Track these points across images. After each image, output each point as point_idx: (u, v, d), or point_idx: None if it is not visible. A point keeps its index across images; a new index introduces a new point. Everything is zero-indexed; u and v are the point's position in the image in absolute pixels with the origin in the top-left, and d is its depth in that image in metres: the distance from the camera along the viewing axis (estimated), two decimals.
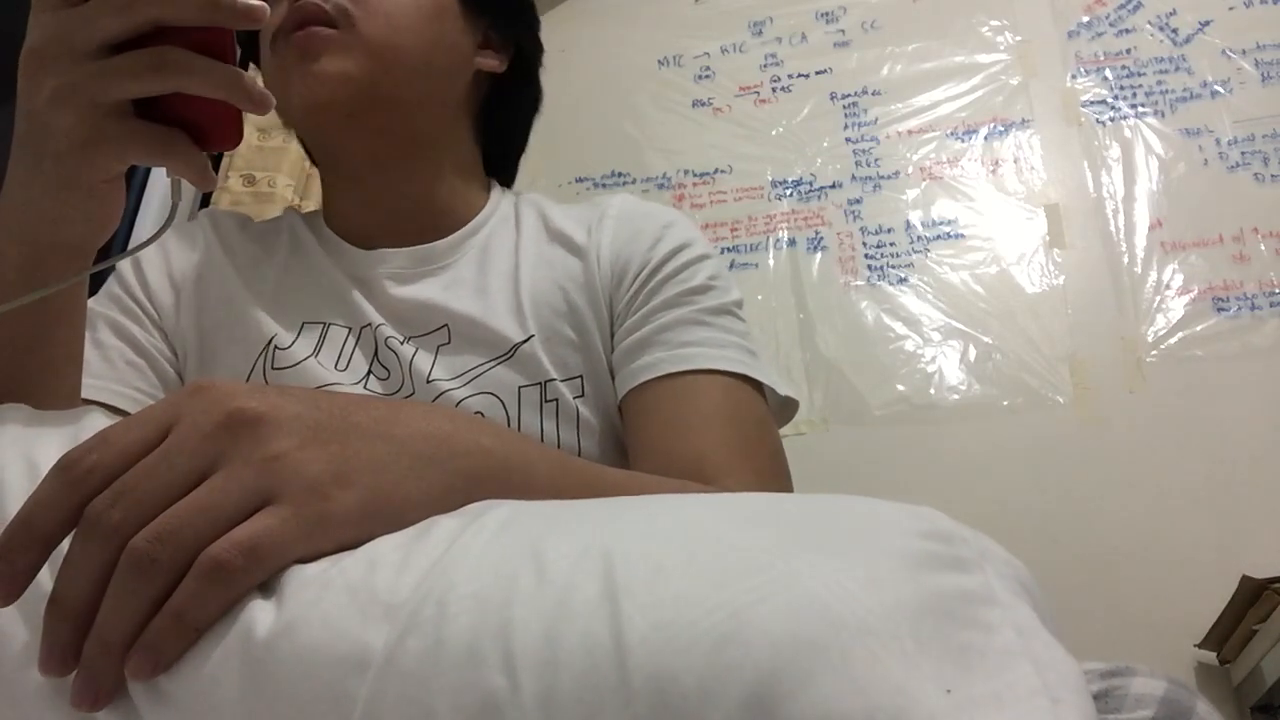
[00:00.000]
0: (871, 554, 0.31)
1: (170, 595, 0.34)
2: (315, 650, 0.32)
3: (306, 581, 0.34)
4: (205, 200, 2.15)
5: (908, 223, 2.15)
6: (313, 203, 1.92)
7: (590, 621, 0.30)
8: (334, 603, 0.33)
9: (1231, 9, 2.15)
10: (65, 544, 0.36)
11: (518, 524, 0.36)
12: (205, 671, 0.33)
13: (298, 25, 0.74)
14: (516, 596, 0.31)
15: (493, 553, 0.34)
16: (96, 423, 0.45)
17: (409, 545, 0.35)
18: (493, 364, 0.73)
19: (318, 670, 0.31)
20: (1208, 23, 2.15)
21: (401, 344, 0.74)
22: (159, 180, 1.84)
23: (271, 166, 1.91)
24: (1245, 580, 1.52)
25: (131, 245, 1.72)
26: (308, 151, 0.92)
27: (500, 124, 0.90)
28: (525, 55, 0.89)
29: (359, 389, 0.73)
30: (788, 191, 2.26)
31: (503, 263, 0.80)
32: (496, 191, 0.89)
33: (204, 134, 0.50)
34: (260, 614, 0.33)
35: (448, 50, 0.81)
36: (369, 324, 0.76)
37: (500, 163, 0.92)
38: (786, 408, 0.78)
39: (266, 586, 0.35)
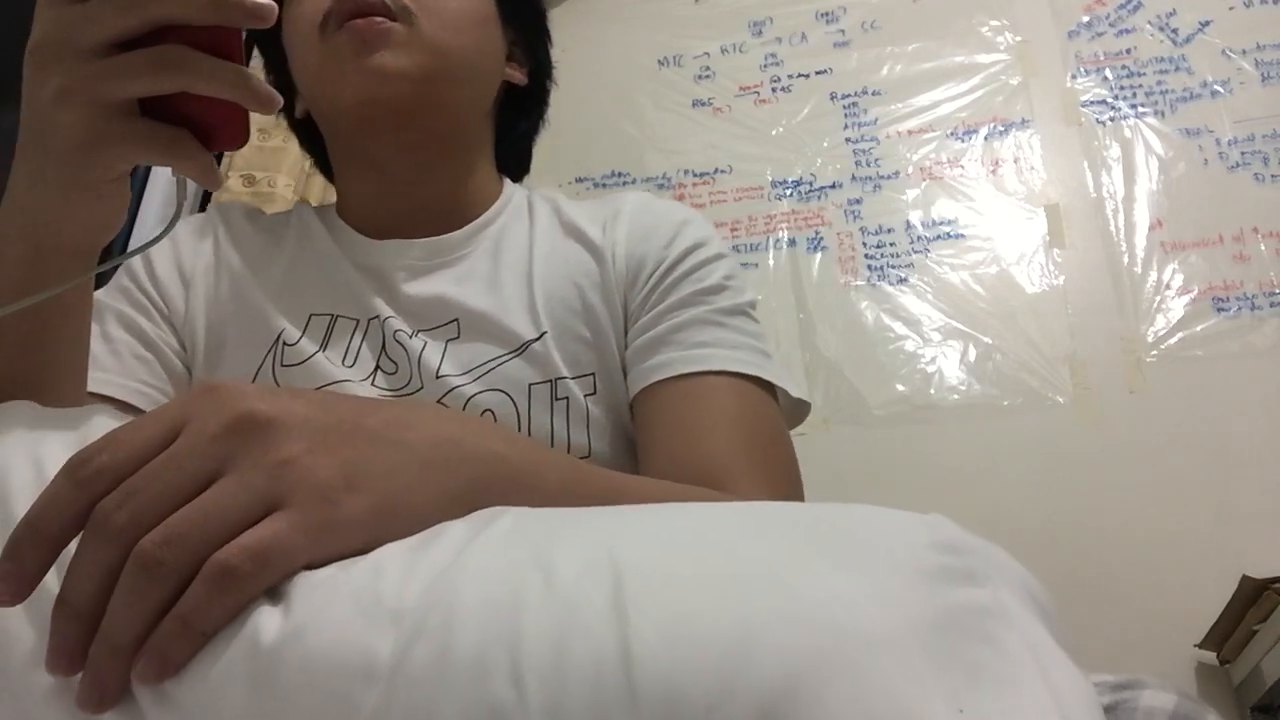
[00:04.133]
0: (882, 567, 0.31)
1: (177, 598, 0.34)
2: (322, 658, 0.31)
3: (313, 587, 0.34)
4: (205, 200, 2.15)
5: (908, 223, 2.14)
6: (312, 202, 1.91)
7: (598, 633, 0.30)
8: (341, 609, 0.33)
9: (1231, 9, 2.15)
10: (73, 545, 0.36)
11: (526, 531, 0.36)
12: (211, 677, 0.33)
13: (354, 14, 0.71)
14: (524, 605, 0.31)
15: (501, 560, 0.33)
16: (103, 423, 0.44)
17: (417, 552, 0.35)
18: (503, 360, 0.72)
19: (324, 678, 0.31)
20: (1208, 23, 2.15)
21: (410, 337, 0.73)
22: (158, 179, 1.83)
23: (271, 166, 1.91)
24: (1245, 580, 1.53)
25: (133, 245, 1.71)
26: (311, 142, 0.90)
27: (513, 134, 0.91)
28: (542, 71, 0.91)
29: (366, 384, 0.72)
30: (788, 191, 2.25)
31: (516, 255, 0.79)
32: (509, 185, 0.88)
33: (210, 134, 0.49)
34: (267, 620, 0.33)
35: (489, 57, 0.81)
36: (377, 316, 0.75)
37: (509, 166, 0.93)
38: (798, 410, 0.77)
39: (273, 592, 0.35)
